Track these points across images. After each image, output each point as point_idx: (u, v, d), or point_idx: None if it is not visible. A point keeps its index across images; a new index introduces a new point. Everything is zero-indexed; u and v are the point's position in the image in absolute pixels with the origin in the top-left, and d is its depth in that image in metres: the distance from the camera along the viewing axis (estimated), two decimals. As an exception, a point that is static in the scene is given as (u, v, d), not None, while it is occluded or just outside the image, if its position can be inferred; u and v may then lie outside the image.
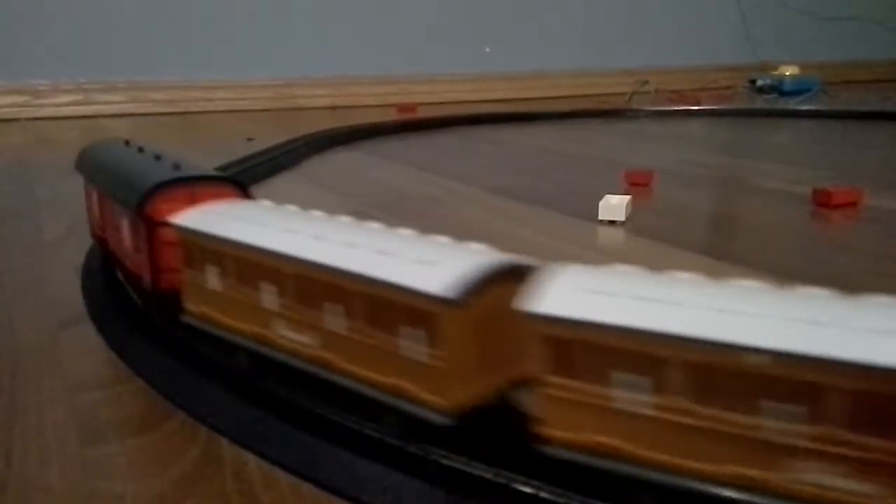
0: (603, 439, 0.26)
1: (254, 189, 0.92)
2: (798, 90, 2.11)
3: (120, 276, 0.51)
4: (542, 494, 0.27)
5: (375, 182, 0.98)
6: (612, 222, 0.74)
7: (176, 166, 0.45)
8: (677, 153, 1.22)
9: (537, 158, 1.18)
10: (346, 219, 0.35)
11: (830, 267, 0.60)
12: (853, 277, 0.57)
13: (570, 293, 0.27)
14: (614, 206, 0.74)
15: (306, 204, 0.86)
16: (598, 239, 0.70)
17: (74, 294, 0.54)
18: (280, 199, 0.87)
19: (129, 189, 0.44)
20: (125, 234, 0.46)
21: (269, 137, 1.29)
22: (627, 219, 0.75)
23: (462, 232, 0.71)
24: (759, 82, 2.18)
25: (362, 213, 0.79)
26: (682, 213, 0.80)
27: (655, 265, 0.61)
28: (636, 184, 0.93)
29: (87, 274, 0.57)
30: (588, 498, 0.26)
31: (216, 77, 1.90)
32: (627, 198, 0.76)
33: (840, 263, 0.61)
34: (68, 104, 1.77)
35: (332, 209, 0.81)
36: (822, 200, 0.81)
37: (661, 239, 0.68)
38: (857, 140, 1.38)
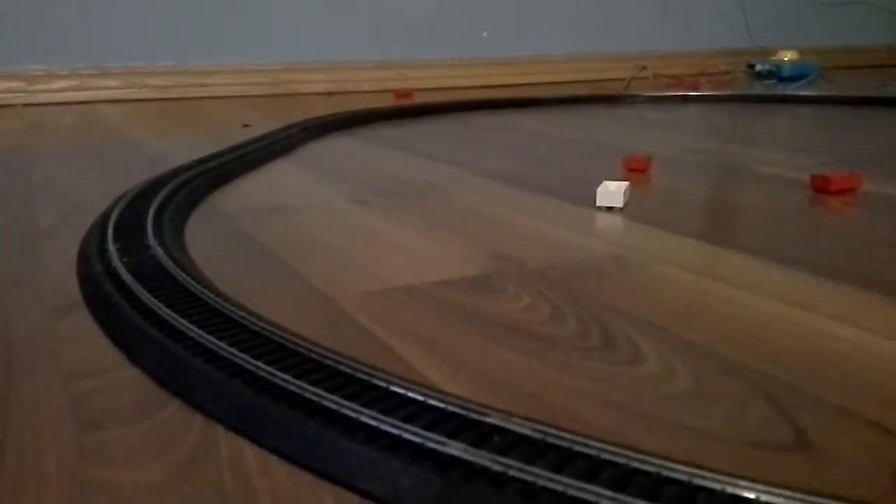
0: None
1: (249, 175, 0.92)
2: (797, 75, 2.10)
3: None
4: None
5: (372, 168, 0.97)
6: (609, 208, 0.74)
7: None
8: (675, 139, 1.22)
9: (535, 144, 1.17)
10: None
11: (828, 253, 0.60)
12: (850, 263, 0.57)
13: None
14: (612, 192, 0.74)
15: (303, 190, 0.85)
16: (596, 225, 0.69)
17: (70, 281, 0.54)
18: (276, 186, 0.86)
19: None
20: None
21: (266, 123, 1.29)
22: (625, 205, 0.74)
23: (459, 219, 0.71)
24: (758, 67, 2.18)
25: (359, 200, 0.79)
26: (680, 198, 0.80)
27: (654, 251, 0.61)
28: (634, 170, 0.93)
29: (83, 261, 0.57)
30: None
31: (212, 62, 1.88)
32: (625, 184, 0.76)
33: (838, 249, 0.61)
34: (64, 90, 1.76)
35: (329, 195, 0.81)
36: (821, 186, 0.81)
37: (660, 225, 0.68)
38: (856, 126, 1.38)
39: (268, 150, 1.04)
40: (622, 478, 0.27)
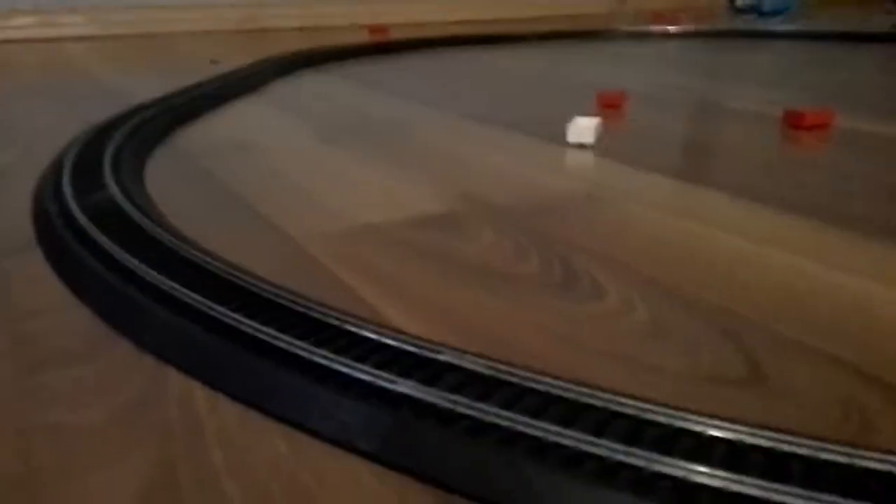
0: None
1: (215, 113, 0.89)
2: (776, 10, 2.07)
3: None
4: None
5: (342, 106, 0.95)
6: (581, 145, 0.73)
7: None
8: (652, 75, 1.20)
9: (511, 81, 1.15)
10: None
11: (799, 188, 0.59)
12: (819, 199, 0.56)
13: None
14: (583, 128, 0.73)
15: (269, 128, 0.83)
16: (565, 162, 0.68)
17: (25, 221, 0.52)
18: (242, 124, 0.84)
19: None
20: None
21: (235, 59, 1.25)
22: (597, 141, 0.73)
23: (428, 158, 0.70)
24: (738, 2, 2.15)
25: (327, 139, 0.77)
26: (653, 135, 0.79)
27: (622, 188, 0.60)
28: (609, 106, 0.91)
29: (38, 200, 0.55)
30: None
31: (180, -3, 1.83)
32: (597, 120, 0.74)
33: (809, 185, 0.60)
34: (27, 27, 1.70)
35: (296, 134, 0.79)
36: (794, 122, 0.80)
37: (631, 162, 0.67)
38: (834, 61, 1.37)
39: (235, 87, 1.01)
40: (571, 413, 0.26)
